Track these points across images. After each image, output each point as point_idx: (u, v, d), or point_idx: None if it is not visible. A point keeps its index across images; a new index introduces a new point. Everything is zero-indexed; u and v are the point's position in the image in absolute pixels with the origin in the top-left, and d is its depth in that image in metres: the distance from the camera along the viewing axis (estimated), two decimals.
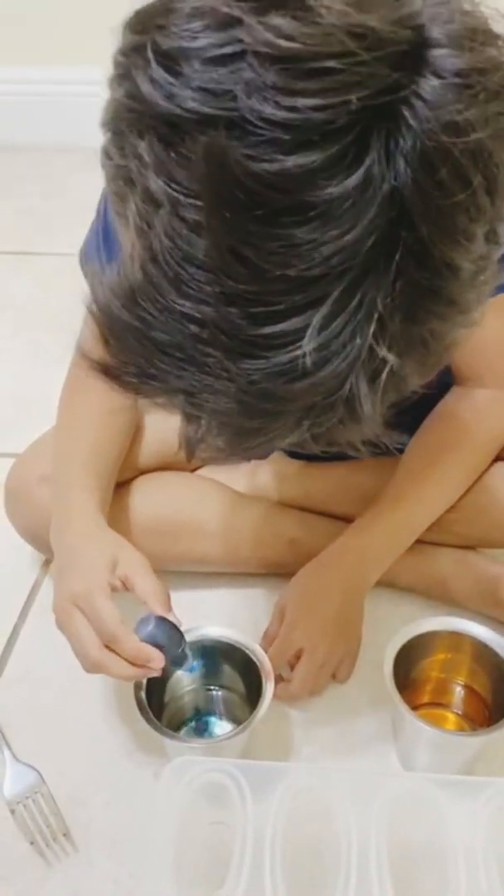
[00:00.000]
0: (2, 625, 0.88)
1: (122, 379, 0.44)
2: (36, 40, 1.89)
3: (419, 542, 0.83)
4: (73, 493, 0.75)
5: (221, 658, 0.74)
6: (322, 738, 0.78)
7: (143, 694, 0.68)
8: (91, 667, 0.65)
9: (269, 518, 0.89)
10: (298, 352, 0.39)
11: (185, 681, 0.74)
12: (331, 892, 0.56)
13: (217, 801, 0.61)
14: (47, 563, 0.94)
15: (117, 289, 0.41)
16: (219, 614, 0.86)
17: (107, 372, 0.44)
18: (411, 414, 0.82)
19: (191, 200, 0.38)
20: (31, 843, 0.69)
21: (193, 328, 0.40)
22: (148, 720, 0.67)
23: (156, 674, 0.65)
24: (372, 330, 0.39)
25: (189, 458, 0.48)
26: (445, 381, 0.83)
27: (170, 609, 0.67)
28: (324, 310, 0.38)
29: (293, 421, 0.43)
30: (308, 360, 0.39)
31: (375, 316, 0.39)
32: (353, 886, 0.56)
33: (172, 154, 0.38)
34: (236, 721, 0.73)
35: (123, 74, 0.40)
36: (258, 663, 0.71)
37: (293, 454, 0.94)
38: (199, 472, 0.93)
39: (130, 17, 0.41)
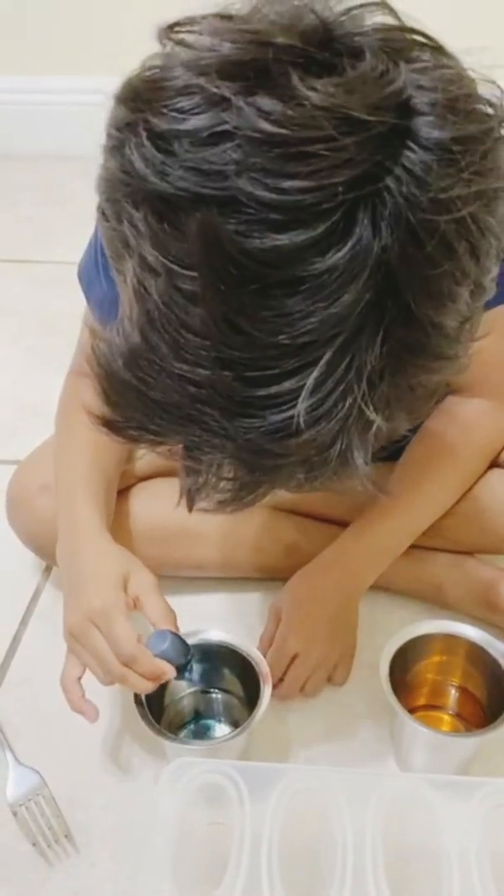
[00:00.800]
0: (4, 629, 0.89)
1: (123, 432, 0.46)
2: (35, 50, 1.90)
3: (414, 547, 0.84)
4: (78, 508, 0.76)
5: (220, 661, 0.75)
6: (320, 740, 0.79)
7: (143, 697, 0.69)
8: (112, 681, 0.68)
9: (266, 523, 0.90)
10: (292, 411, 0.41)
11: (185, 684, 0.75)
12: (327, 893, 0.57)
13: (215, 802, 0.62)
14: (48, 568, 0.95)
15: (117, 349, 0.43)
16: (216, 618, 0.87)
17: (108, 425, 0.46)
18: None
19: (186, 272, 0.40)
20: (34, 845, 0.70)
21: (191, 389, 0.42)
22: (148, 723, 0.68)
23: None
24: (362, 389, 0.41)
25: (190, 508, 0.50)
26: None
27: (177, 628, 0.69)
28: (315, 372, 0.40)
29: (287, 474, 0.45)
30: (301, 420, 0.41)
31: (365, 376, 0.41)
32: (348, 886, 0.57)
33: (167, 227, 0.40)
34: (235, 723, 0.74)
35: (117, 147, 0.41)
36: (256, 666, 0.72)
37: None
38: None
39: (122, 89, 0.43)
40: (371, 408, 0.42)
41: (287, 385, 0.41)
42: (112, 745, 0.78)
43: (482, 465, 0.85)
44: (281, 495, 0.90)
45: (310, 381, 0.40)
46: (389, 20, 0.43)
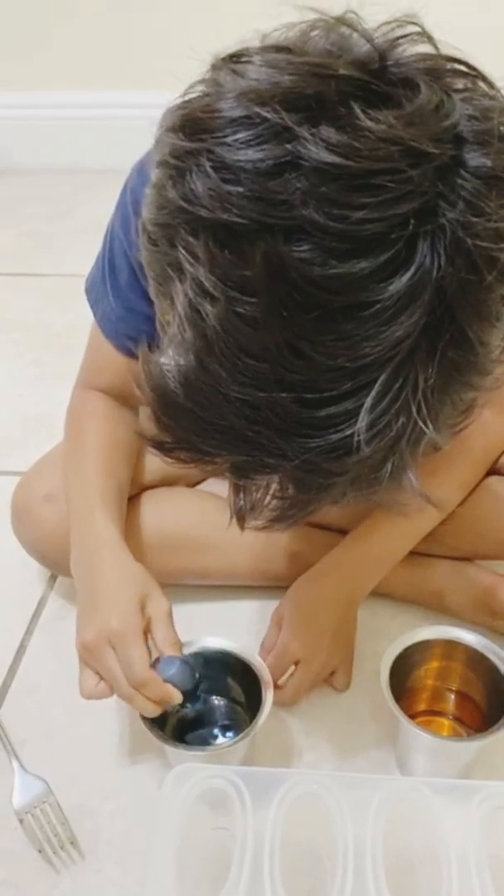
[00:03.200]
0: (10, 638, 0.90)
1: (174, 453, 0.47)
2: (36, 66, 1.92)
3: (414, 553, 0.85)
4: (96, 521, 0.77)
5: (222, 668, 0.76)
6: (322, 745, 0.79)
7: None
8: (120, 697, 0.69)
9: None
10: (351, 430, 0.42)
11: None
12: None
13: (219, 808, 0.63)
14: (53, 577, 0.96)
15: (171, 373, 0.44)
16: (219, 625, 0.88)
17: (160, 447, 0.47)
18: None
19: (246, 297, 0.41)
20: (40, 852, 0.71)
21: (248, 411, 0.43)
22: (151, 730, 0.69)
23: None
24: (416, 406, 0.42)
25: (241, 527, 0.52)
26: None
27: (179, 648, 0.71)
28: (373, 392, 0.42)
29: (339, 491, 0.47)
30: (361, 438, 0.42)
31: (419, 393, 0.42)
32: (349, 890, 0.57)
33: (228, 254, 0.41)
34: (238, 730, 0.75)
35: (178, 177, 0.42)
36: (257, 673, 0.73)
37: None
38: (201, 486, 0.96)
39: (177, 119, 0.44)
40: (424, 424, 0.43)
41: (346, 405, 0.42)
42: (116, 752, 0.79)
43: (480, 472, 0.86)
44: None
45: (368, 401, 0.42)
46: (428, 48, 0.44)
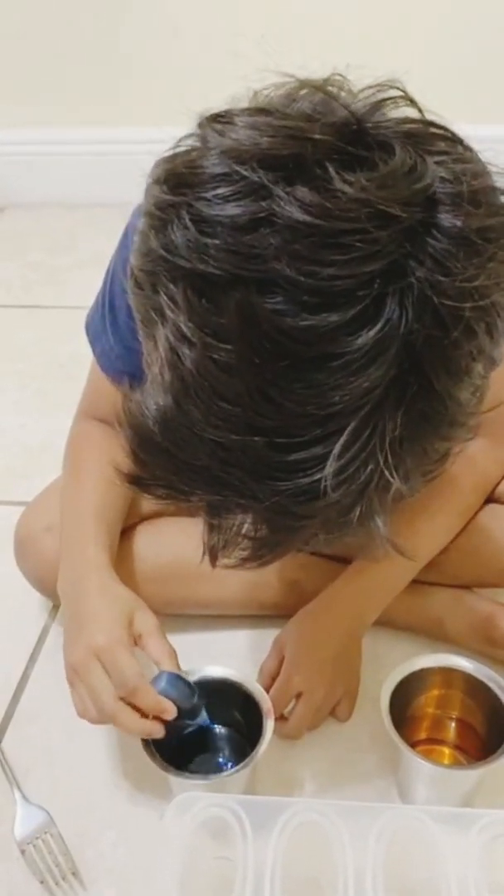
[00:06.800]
0: (12, 668, 0.91)
1: (151, 489, 0.49)
2: (39, 103, 1.95)
3: (415, 582, 0.86)
4: (87, 547, 0.78)
5: (223, 697, 0.76)
6: (324, 773, 0.80)
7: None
8: (104, 718, 0.69)
9: None
10: (319, 475, 0.44)
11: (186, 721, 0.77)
12: None
13: (220, 837, 0.63)
14: (56, 608, 0.96)
15: (149, 412, 0.46)
16: (218, 655, 0.88)
17: (135, 482, 0.49)
18: None
19: (221, 345, 0.43)
20: (42, 882, 0.71)
21: (221, 453, 0.45)
22: (153, 758, 0.69)
23: (160, 734, 0.68)
24: (384, 455, 0.44)
25: (213, 564, 0.53)
26: None
27: (179, 668, 0.71)
28: (342, 440, 0.43)
29: (309, 534, 0.48)
30: (328, 483, 0.44)
31: (386, 443, 0.44)
32: None
33: (205, 303, 0.43)
34: (239, 758, 0.75)
35: (160, 228, 0.45)
36: (258, 701, 0.73)
37: None
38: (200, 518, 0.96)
39: (163, 172, 0.46)
40: (391, 472, 0.45)
41: (315, 451, 0.44)
42: (119, 780, 0.80)
43: (478, 501, 0.87)
44: None
45: (336, 448, 0.43)
46: (410, 111, 0.46)
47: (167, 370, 0.45)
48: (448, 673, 0.76)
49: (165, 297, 0.44)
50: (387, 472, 0.44)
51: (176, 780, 0.70)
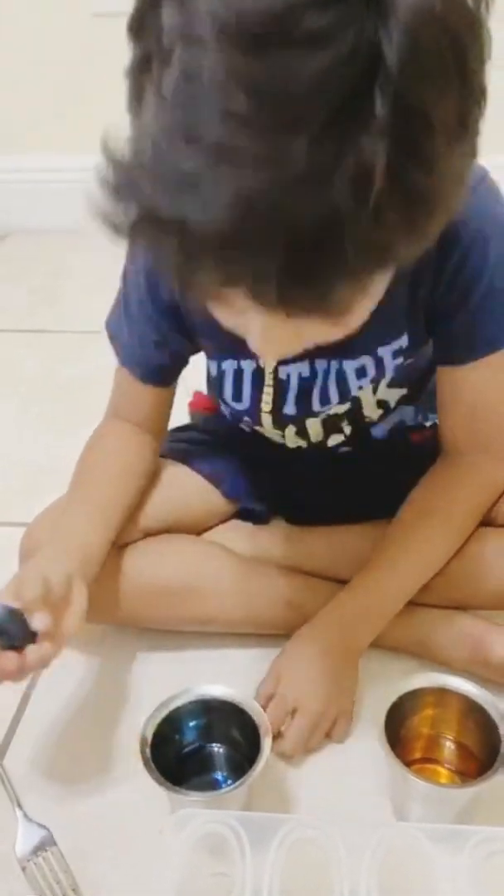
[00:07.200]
0: (13, 691, 0.91)
1: (138, 228, 0.49)
2: (43, 133, 2.00)
3: (409, 603, 0.88)
4: (78, 521, 0.85)
5: (221, 716, 0.78)
6: (321, 790, 0.81)
7: (148, 751, 0.72)
8: None
9: (271, 581, 0.93)
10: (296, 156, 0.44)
11: (189, 738, 0.78)
12: None
13: (218, 853, 0.65)
14: None
15: (152, 134, 0.47)
16: (219, 674, 0.90)
17: (118, 229, 0.50)
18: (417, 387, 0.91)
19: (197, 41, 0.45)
20: None
21: (204, 157, 0.45)
22: (152, 774, 0.71)
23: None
24: (360, 131, 0.44)
25: (182, 288, 0.55)
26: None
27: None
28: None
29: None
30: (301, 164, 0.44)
31: (365, 124, 0.44)
32: None
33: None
34: (237, 776, 0.76)
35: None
36: (256, 720, 0.75)
37: (293, 520, 1.00)
38: (204, 535, 0.98)
39: None
40: (368, 140, 0.44)
41: (287, 139, 0.44)
42: (119, 800, 0.81)
43: (472, 521, 0.88)
44: (285, 555, 0.95)
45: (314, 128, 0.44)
46: None
47: (153, 97, 0.47)
48: (442, 693, 0.77)
49: (153, 32, 0.47)
50: (362, 141, 0.44)
51: (175, 798, 0.72)
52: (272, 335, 0.57)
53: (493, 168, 0.73)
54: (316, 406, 0.86)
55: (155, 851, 0.75)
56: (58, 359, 1.54)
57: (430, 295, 0.77)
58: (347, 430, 0.90)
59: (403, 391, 0.88)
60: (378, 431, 0.92)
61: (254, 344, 0.59)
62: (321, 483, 0.97)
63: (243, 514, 1.01)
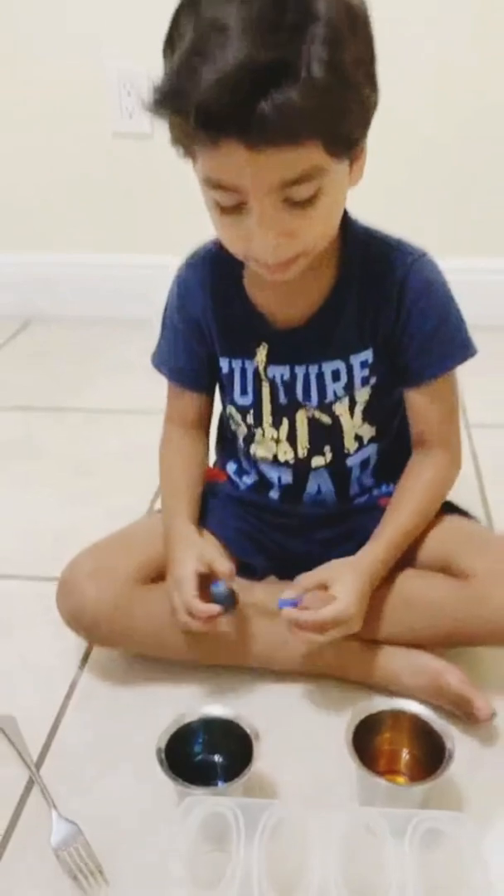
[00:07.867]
0: (47, 713, 1.08)
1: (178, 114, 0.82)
2: (61, 230, 2.18)
3: (376, 643, 1.06)
4: (177, 519, 1.11)
5: (220, 732, 0.95)
6: (302, 791, 0.96)
7: (163, 755, 0.90)
8: (180, 623, 1.03)
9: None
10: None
11: (194, 750, 0.95)
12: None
13: (218, 831, 0.82)
14: (85, 658, 1.15)
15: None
16: (219, 698, 1.07)
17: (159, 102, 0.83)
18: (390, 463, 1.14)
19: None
20: (74, 879, 0.88)
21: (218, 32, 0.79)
22: (164, 770, 0.88)
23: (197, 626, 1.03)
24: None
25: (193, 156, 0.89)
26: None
27: (232, 578, 1.03)
28: None
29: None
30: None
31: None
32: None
33: None
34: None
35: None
36: (249, 735, 0.92)
37: (284, 576, 1.15)
38: None
39: None
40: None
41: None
42: (136, 799, 0.96)
43: (434, 499, 1.10)
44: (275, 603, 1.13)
45: None
46: None
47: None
48: (399, 714, 0.95)
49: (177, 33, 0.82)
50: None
51: (183, 792, 0.89)
52: (268, 218, 0.85)
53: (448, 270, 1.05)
54: (300, 396, 1.07)
55: (164, 836, 0.90)
56: (77, 436, 1.69)
57: (392, 327, 1.03)
58: (329, 456, 1.11)
59: (373, 431, 1.11)
60: (353, 461, 1.13)
61: (255, 231, 0.87)
62: (308, 541, 1.16)
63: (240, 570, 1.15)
